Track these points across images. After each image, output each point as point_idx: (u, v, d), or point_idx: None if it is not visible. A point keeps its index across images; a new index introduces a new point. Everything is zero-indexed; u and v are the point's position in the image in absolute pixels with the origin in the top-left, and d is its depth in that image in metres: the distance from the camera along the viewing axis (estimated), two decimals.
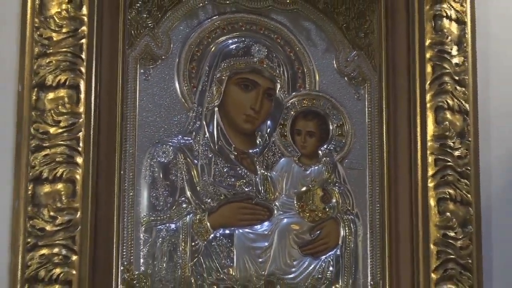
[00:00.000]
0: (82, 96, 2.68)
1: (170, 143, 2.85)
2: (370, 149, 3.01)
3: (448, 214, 2.89)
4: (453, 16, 3.00)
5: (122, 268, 2.75)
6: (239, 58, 2.94)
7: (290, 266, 2.89)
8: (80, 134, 2.66)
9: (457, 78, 2.97)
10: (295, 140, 2.97)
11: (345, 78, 3.03)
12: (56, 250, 2.60)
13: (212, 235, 2.84)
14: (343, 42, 3.04)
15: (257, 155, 2.93)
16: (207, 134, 2.89)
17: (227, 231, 2.86)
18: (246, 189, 2.89)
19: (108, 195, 2.73)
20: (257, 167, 2.92)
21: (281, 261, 2.88)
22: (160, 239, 2.80)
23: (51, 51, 2.68)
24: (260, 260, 2.87)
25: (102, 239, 2.69)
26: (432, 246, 2.87)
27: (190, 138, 2.88)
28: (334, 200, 2.95)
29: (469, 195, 2.93)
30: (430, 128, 2.93)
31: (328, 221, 2.94)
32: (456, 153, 2.94)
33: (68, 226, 2.62)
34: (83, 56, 2.69)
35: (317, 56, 3.02)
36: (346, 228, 2.94)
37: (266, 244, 2.88)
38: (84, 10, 2.72)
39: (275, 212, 2.91)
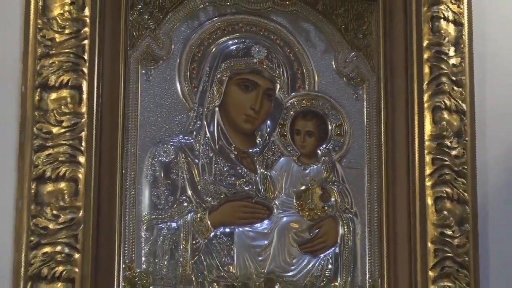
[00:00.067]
0: (85, 96, 2.69)
1: (171, 143, 2.86)
2: (369, 148, 3.01)
3: (445, 212, 2.90)
4: (450, 17, 3.00)
5: (123, 266, 2.75)
6: (239, 59, 2.95)
7: (290, 264, 2.89)
8: (83, 134, 2.67)
9: (454, 78, 2.98)
10: (295, 140, 2.97)
11: (344, 78, 3.04)
12: (58, 248, 2.60)
13: (212, 234, 2.84)
14: (342, 43, 3.05)
15: (257, 155, 2.94)
16: (208, 134, 2.90)
17: (227, 230, 2.86)
18: (246, 188, 2.90)
19: (110, 194, 2.74)
20: (257, 166, 2.92)
21: (280, 259, 2.89)
22: (161, 237, 2.80)
23: (54, 52, 2.68)
24: (260, 258, 2.87)
25: (104, 238, 2.69)
26: (429, 244, 2.87)
27: (191, 138, 2.88)
28: (333, 199, 2.96)
29: (466, 194, 2.93)
30: (428, 128, 2.94)
31: (327, 220, 2.95)
32: (453, 152, 2.94)
33: (71, 225, 2.62)
34: (86, 57, 2.70)
35: (316, 57, 3.03)
36: (345, 227, 2.95)
37: (266, 242, 2.88)
38: (87, 12, 2.72)
39: (275, 210, 2.91)
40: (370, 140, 3.02)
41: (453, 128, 2.96)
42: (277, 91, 2.98)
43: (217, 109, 2.92)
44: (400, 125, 2.99)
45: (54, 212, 2.62)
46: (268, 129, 2.96)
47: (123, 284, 2.74)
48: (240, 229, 2.88)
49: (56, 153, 2.65)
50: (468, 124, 2.99)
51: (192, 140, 2.89)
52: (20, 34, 2.71)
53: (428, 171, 2.92)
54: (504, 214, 3.04)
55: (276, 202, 2.93)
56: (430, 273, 2.87)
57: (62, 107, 2.67)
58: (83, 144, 2.67)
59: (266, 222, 2.90)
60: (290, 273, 2.89)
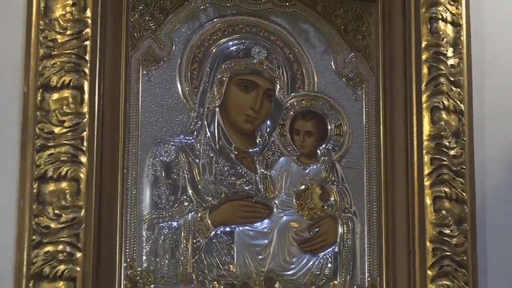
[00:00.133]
0: (86, 96, 2.69)
1: (172, 143, 2.86)
2: (368, 148, 3.02)
3: (443, 212, 2.91)
4: (449, 18, 3.01)
5: (125, 264, 2.75)
6: (239, 59, 2.96)
7: (289, 263, 2.90)
8: (84, 134, 2.67)
9: (452, 79, 2.99)
10: (294, 140, 2.98)
11: (343, 79, 3.04)
12: (60, 247, 2.61)
13: (213, 233, 2.84)
14: (341, 44, 3.05)
15: (257, 155, 2.94)
16: (208, 134, 2.90)
17: (227, 229, 2.86)
18: (246, 188, 2.90)
19: (112, 194, 2.74)
20: (257, 166, 2.93)
21: (280, 258, 2.89)
22: (162, 237, 2.80)
23: (55, 52, 2.69)
24: (260, 257, 2.87)
25: (106, 237, 2.70)
26: (428, 244, 2.88)
27: (191, 138, 2.89)
28: (332, 198, 2.96)
29: (464, 194, 2.94)
30: (426, 128, 2.94)
31: (326, 219, 2.95)
32: (452, 152, 2.95)
33: (73, 224, 2.62)
34: (87, 57, 2.70)
35: (315, 57, 3.03)
36: (344, 226, 2.95)
37: (266, 241, 2.89)
38: (88, 13, 2.73)
39: (275, 210, 2.92)
40: (369, 140, 3.03)
41: (451, 128, 2.97)
42: (277, 92, 2.98)
43: (217, 109, 2.93)
44: (399, 125, 2.99)
45: (56, 211, 2.63)
46: (268, 129, 2.97)
47: (124, 282, 2.75)
48: (240, 228, 2.88)
49: (58, 153, 2.66)
50: (466, 124, 2.99)
51: (192, 140, 2.89)
52: (22, 35, 2.72)
53: (426, 170, 2.92)
54: (502, 214, 3.05)
55: (276, 201, 2.93)
56: (429, 272, 2.87)
57: (64, 107, 2.68)
58: (85, 144, 2.67)
59: (266, 221, 2.91)
60: (290, 272, 2.90)
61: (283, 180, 2.95)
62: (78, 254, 2.62)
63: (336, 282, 2.93)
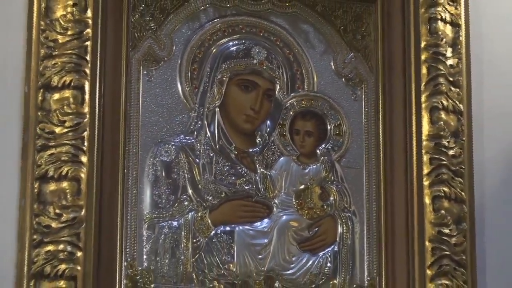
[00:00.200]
0: (87, 96, 2.70)
1: (172, 143, 2.87)
2: (367, 148, 3.02)
3: (442, 211, 2.91)
4: (448, 19, 3.01)
5: (125, 264, 2.76)
6: (239, 60, 2.96)
7: (289, 262, 2.90)
8: (85, 134, 2.68)
9: (451, 79, 2.99)
10: (294, 140, 2.98)
11: (343, 79, 3.05)
12: (61, 246, 2.61)
13: (213, 232, 2.85)
14: (340, 44, 3.06)
15: (257, 154, 2.95)
16: (208, 134, 2.91)
17: (227, 228, 2.87)
18: (246, 187, 2.91)
19: (112, 193, 2.75)
20: (257, 166, 2.93)
21: (280, 257, 2.90)
22: (163, 236, 2.81)
23: (56, 53, 2.70)
24: (260, 256, 2.88)
25: (106, 236, 2.70)
26: (427, 243, 2.88)
27: (191, 138, 2.89)
28: (331, 198, 2.97)
29: (463, 193, 2.94)
30: (425, 128, 2.95)
31: (326, 219, 2.95)
32: (451, 152, 2.95)
33: (73, 223, 2.63)
34: (88, 58, 2.71)
35: (315, 58, 3.04)
36: (344, 225, 2.96)
37: (266, 240, 2.89)
38: (89, 13, 2.73)
39: (275, 209, 2.92)
40: (369, 140, 3.03)
41: (450, 128, 2.97)
42: (276, 92, 2.99)
43: (217, 109, 2.94)
44: (398, 125, 3.00)
45: (57, 211, 2.63)
46: (268, 129, 2.97)
47: (124, 282, 2.75)
48: (240, 227, 2.88)
49: (59, 153, 2.66)
50: (465, 124, 2.99)
51: (193, 140, 2.90)
52: (23, 35, 2.73)
53: (425, 170, 2.92)
54: (501, 213, 3.05)
55: (276, 201, 2.94)
56: (428, 271, 2.87)
57: (65, 107, 2.68)
58: (85, 144, 2.68)
59: (266, 220, 2.91)
60: (290, 271, 2.90)
61: (283, 180, 2.95)
62: (79, 254, 2.63)
63: (335, 281, 2.93)
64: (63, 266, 2.61)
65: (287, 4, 3.04)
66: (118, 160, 2.79)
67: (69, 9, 2.73)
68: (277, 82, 2.99)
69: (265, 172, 2.94)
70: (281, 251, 2.91)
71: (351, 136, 3.03)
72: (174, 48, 2.92)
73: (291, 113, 3.00)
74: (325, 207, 2.97)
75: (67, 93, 2.70)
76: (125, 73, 2.84)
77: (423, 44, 2.99)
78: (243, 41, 2.99)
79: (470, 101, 3.03)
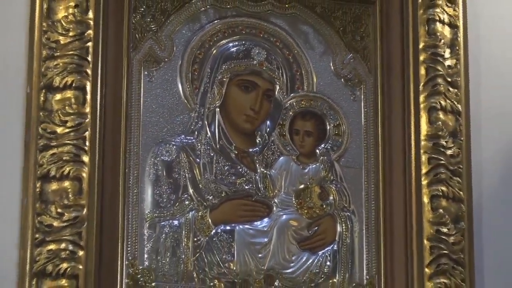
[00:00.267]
0: (88, 97, 2.70)
1: (173, 143, 2.87)
2: (366, 148, 3.03)
3: (441, 210, 2.91)
4: (446, 20, 3.02)
5: (127, 263, 2.76)
6: (239, 60, 2.97)
7: (289, 261, 2.91)
8: (86, 134, 2.68)
9: (449, 80, 3.00)
10: (294, 140, 2.99)
11: (342, 80, 3.05)
12: (63, 245, 2.61)
13: (213, 231, 2.85)
14: (339, 45, 3.07)
15: (257, 154, 2.95)
16: (209, 134, 2.91)
17: (228, 227, 2.87)
18: (246, 187, 2.91)
19: (114, 193, 2.75)
20: (257, 165, 2.94)
21: (280, 256, 2.90)
22: (164, 235, 2.81)
23: (58, 54, 2.70)
24: (260, 255, 2.88)
25: (108, 235, 2.70)
26: (425, 242, 2.88)
27: (192, 138, 2.90)
28: (331, 198, 2.97)
29: (461, 193, 2.95)
30: (424, 128, 2.95)
31: (325, 218, 2.96)
32: (449, 152, 2.96)
33: (75, 222, 2.63)
34: (89, 58, 2.71)
35: (314, 58, 3.04)
36: (343, 225, 2.96)
37: (266, 239, 2.89)
38: (90, 14, 2.74)
39: (274, 209, 2.93)
40: (368, 140, 3.04)
41: (449, 128, 2.98)
42: (276, 92, 2.99)
43: (218, 109, 2.94)
44: (396, 125, 3.00)
45: (59, 210, 2.64)
46: (268, 129, 2.98)
47: (126, 280, 2.75)
48: (241, 227, 2.89)
49: (61, 153, 2.67)
50: (463, 124, 3.00)
51: (193, 140, 2.90)
52: (25, 36, 2.73)
53: (424, 170, 2.93)
54: (499, 212, 3.06)
55: (276, 200, 2.94)
56: (426, 270, 2.88)
57: (66, 107, 2.69)
58: (87, 143, 2.69)
59: (265, 220, 2.92)
60: (289, 270, 2.91)
61: (282, 179, 2.96)
62: (81, 252, 2.63)
63: (335, 280, 2.94)
64: (65, 265, 2.62)
65: (286, 6, 3.05)
66: (119, 160, 2.79)
67: (70, 11, 2.73)
68: (277, 82, 3.00)
69: (265, 171, 2.95)
70: (281, 250, 2.91)
71: (350, 136, 3.03)
72: (174, 49, 2.93)
73: (291, 113, 3.01)
74: (324, 206, 2.97)
75: (69, 93, 2.70)
76: (126, 73, 2.84)
77: (421, 45, 3.00)
78: (243, 42, 3.00)
79: (468, 101, 3.03)
